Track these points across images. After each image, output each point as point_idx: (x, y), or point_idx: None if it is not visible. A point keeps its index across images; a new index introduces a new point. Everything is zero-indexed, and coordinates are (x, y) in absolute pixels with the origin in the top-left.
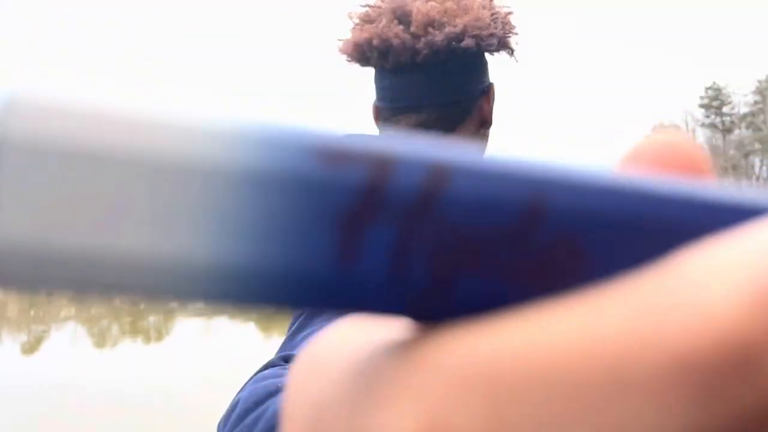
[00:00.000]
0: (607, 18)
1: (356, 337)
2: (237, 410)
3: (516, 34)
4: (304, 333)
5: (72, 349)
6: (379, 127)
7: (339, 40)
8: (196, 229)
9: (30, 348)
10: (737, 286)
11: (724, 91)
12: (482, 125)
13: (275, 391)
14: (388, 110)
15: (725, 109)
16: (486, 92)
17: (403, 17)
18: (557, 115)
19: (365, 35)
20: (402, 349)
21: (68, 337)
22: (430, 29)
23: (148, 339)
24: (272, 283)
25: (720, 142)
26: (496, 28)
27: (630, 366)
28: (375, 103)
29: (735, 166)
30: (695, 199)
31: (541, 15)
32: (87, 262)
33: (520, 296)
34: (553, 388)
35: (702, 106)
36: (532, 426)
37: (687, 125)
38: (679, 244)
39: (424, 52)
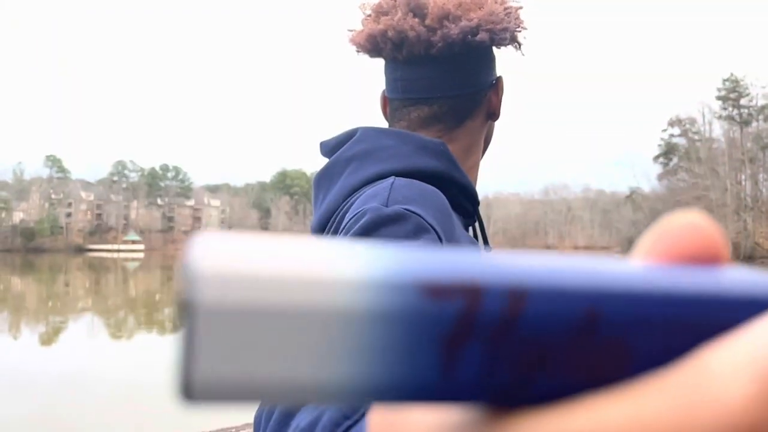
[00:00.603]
0: (625, 10)
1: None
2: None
3: (525, 28)
4: None
5: (89, 340)
6: (388, 118)
7: (349, 30)
8: (343, 360)
9: (48, 339)
10: (744, 383)
11: (741, 83)
12: (490, 117)
13: None
14: (399, 101)
15: (743, 101)
16: (494, 85)
17: (417, 10)
18: (575, 108)
19: (380, 27)
20: (486, 427)
21: (85, 329)
22: (446, 22)
23: (163, 330)
24: (394, 391)
25: (737, 135)
26: (509, 22)
27: None
28: (385, 93)
29: (752, 159)
30: (718, 295)
31: (560, 7)
32: (269, 391)
33: (580, 388)
34: None
35: (719, 98)
36: None
37: (704, 117)
38: (706, 338)
39: (439, 45)
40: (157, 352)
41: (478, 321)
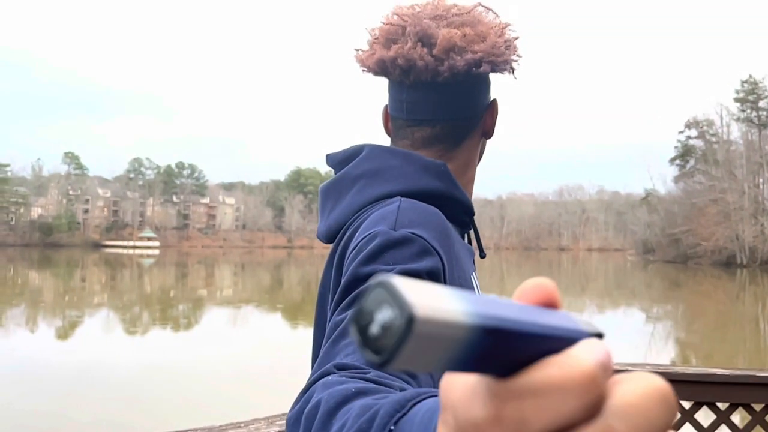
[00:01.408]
0: (642, 11)
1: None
2: (321, 411)
3: (521, 56)
4: (346, 341)
5: (104, 335)
6: (390, 134)
7: (356, 50)
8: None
9: (64, 333)
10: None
11: (760, 85)
12: (484, 135)
13: (353, 395)
14: (404, 121)
15: (761, 104)
16: (490, 106)
17: (426, 39)
18: (591, 108)
19: (391, 54)
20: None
21: (101, 323)
22: (452, 54)
23: (177, 327)
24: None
25: (756, 137)
26: (509, 55)
27: None
28: (388, 110)
29: None
30: (540, 330)
31: (578, 8)
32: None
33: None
34: None
35: (737, 99)
36: None
37: (722, 119)
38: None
39: (445, 74)
40: (171, 348)
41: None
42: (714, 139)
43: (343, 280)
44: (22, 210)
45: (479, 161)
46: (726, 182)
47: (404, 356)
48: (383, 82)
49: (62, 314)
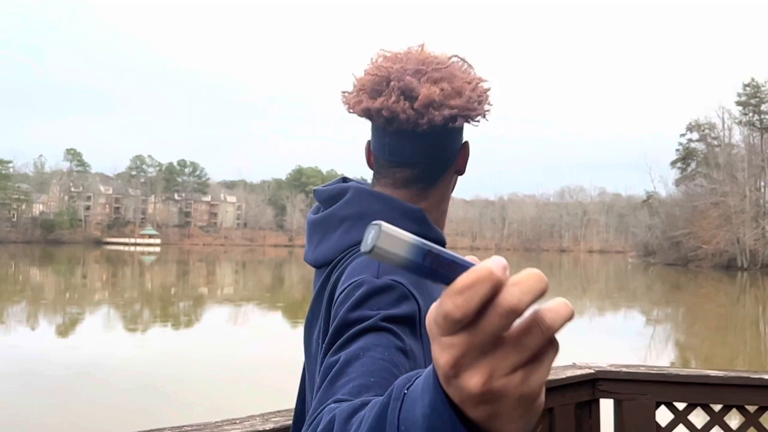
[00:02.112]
0: (645, 12)
1: None
2: (336, 421)
3: (492, 105)
4: (343, 380)
5: (105, 332)
6: (373, 169)
7: (343, 92)
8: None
9: (65, 330)
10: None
11: (762, 88)
12: (457, 173)
13: (360, 406)
14: (386, 161)
15: (764, 107)
16: (462, 148)
17: (408, 94)
18: (593, 111)
19: (376, 105)
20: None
21: (102, 321)
22: (431, 109)
23: (178, 324)
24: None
25: (757, 141)
26: (482, 109)
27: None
28: (371, 148)
29: None
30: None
31: (581, 10)
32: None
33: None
34: None
35: (739, 103)
36: None
37: (723, 122)
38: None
39: (424, 126)
40: (171, 345)
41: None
42: (716, 143)
43: (333, 324)
44: (24, 206)
45: (452, 193)
46: (727, 185)
47: (379, 249)
48: None
49: (63, 311)
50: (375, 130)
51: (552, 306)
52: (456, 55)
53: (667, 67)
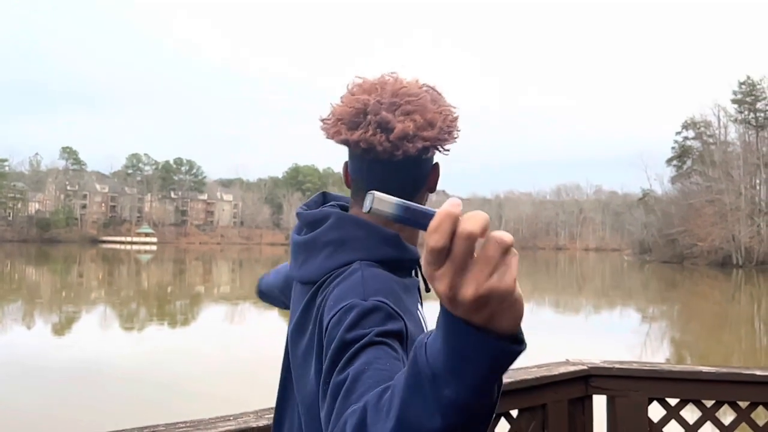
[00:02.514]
0: (640, 10)
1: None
2: (369, 405)
3: (460, 131)
4: (354, 396)
5: (101, 331)
6: (351, 189)
7: (321, 119)
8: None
9: (61, 329)
10: None
11: (758, 86)
12: (429, 191)
13: (384, 389)
14: (363, 183)
15: (759, 105)
16: (434, 169)
17: (384, 127)
18: (589, 109)
19: (354, 138)
20: None
21: (98, 319)
22: (406, 142)
23: (174, 323)
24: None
25: (753, 139)
26: (453, 138)
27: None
28: (349, 170)
29: None
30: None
31: (577, 9)
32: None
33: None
34: None
35: (735, 101)
36: None
37: (719, 120)
38: None
39: (400, 156)
40: (168, 343)
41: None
42: (711, 140)
43: (332, 347)
44: (19, 205)
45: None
46: (723, 183)
47: (374, 210)
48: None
49: (59, 310)
50: (352, 156)
51: (498, 232)
52: (426, 85)
53: (663, 65)
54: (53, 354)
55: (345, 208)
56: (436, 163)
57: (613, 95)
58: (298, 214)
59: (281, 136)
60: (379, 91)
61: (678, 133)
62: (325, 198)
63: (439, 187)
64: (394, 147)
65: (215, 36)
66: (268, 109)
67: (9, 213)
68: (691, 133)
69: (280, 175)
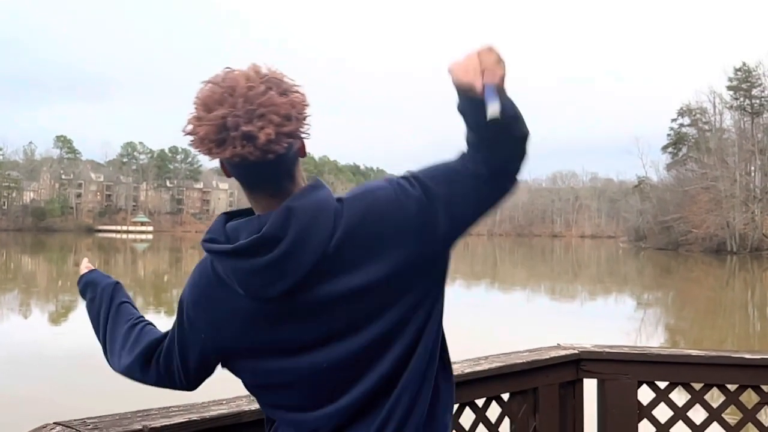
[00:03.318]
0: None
1: None
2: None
3: (309, 105)
4: None
5: None
6: (244, 189)
7: (189, 143)
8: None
9: (58, 317)
10: None
11: (753, 73)
12: (301, 157)
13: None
14: (245, 185)
15: (754, 92)
16: (300, 149)
17: (249, 139)
18: (585, 95)
19: (227, 155)
20: None
21: None
22: (272, 145)
23: (171, 311)
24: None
25: (748, 125)
26: (307, 126)
27: None
28: (227, 169)
29: (763, 150)
30: None
31: None
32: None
33: None
34: None
35: (730, 87)
36: None
37: (714, 107)
38: None
39: (271, 157)
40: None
41: None
42: (707, 127)
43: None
44: (14, 194)
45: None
46: (718, 170)
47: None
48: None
49: (55, 299)
50: (227, 162)
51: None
52: (265, 73)
53: (658, 51)
54: (50, 342)
55: (234, 216)
56: (302, 143)
57: (607, 82)
58: (249, 245)
59: None
60: (230, 101)
61: (673, 120)
62: (226, 219)
63: None
64: (263, 153)
65: (208, 23)
66: None
67: (3, 202)
68: (686, 120)
69: None
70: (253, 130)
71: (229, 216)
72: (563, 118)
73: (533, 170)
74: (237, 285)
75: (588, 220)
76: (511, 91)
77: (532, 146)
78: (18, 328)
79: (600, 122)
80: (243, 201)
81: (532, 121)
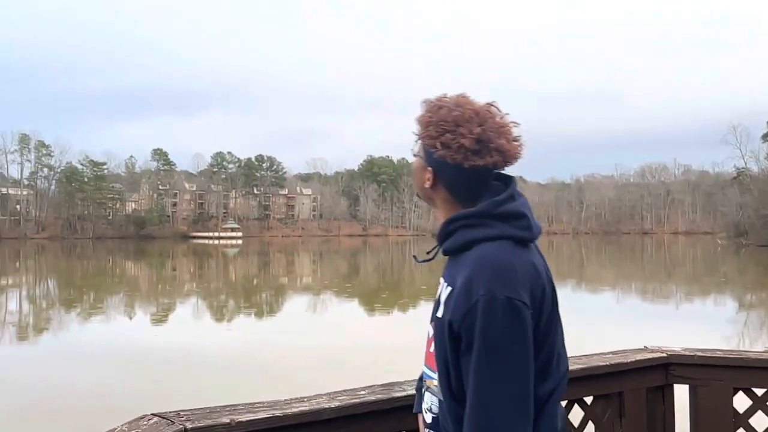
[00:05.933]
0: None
1: None
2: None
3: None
4: None
5: (194, 321)
6: (466, 196)
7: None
8: None
9: (159, 319)
10: None
11: None
12: None
13: None
14: (485, 187)
15: None
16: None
17: (501, 151)
18: (675, 80)
19: (492, 161)
20: None
21: (191, 310)
22: (511, 158)
23: (261, 313)
24: None
25: None
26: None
27: None
28: (449, 177)
29: None
30: None
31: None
32: None
33: None
34: None
35: None
36: None
37: None
38: None
39: (505, 167)
40: (255, 333)
41: None
42: None
43: None
44: (118, 205)
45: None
46: None
47: None
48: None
49: (156, 302)
50: (462, 168)
51: None
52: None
53: (756, 30)
54: (151, 342)
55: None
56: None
57: (698, 65)
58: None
59: (356, 129)
60: (486, 120)
61: None
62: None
63: (516, 173)
64: (506, 163)
65: (291, 40)
66: (342, 103)
67: (109, 212)
68: None
69: (355, 168)
70: (505, 144)
71: None
72: (649, 108)
73: (620, 164)
74: None
75: (681, 216)
76: (596, 77)
77: (616, 138)
78: (125, 327)
79: (691, 111)
80: (325, 206)
81: (616, 110)
